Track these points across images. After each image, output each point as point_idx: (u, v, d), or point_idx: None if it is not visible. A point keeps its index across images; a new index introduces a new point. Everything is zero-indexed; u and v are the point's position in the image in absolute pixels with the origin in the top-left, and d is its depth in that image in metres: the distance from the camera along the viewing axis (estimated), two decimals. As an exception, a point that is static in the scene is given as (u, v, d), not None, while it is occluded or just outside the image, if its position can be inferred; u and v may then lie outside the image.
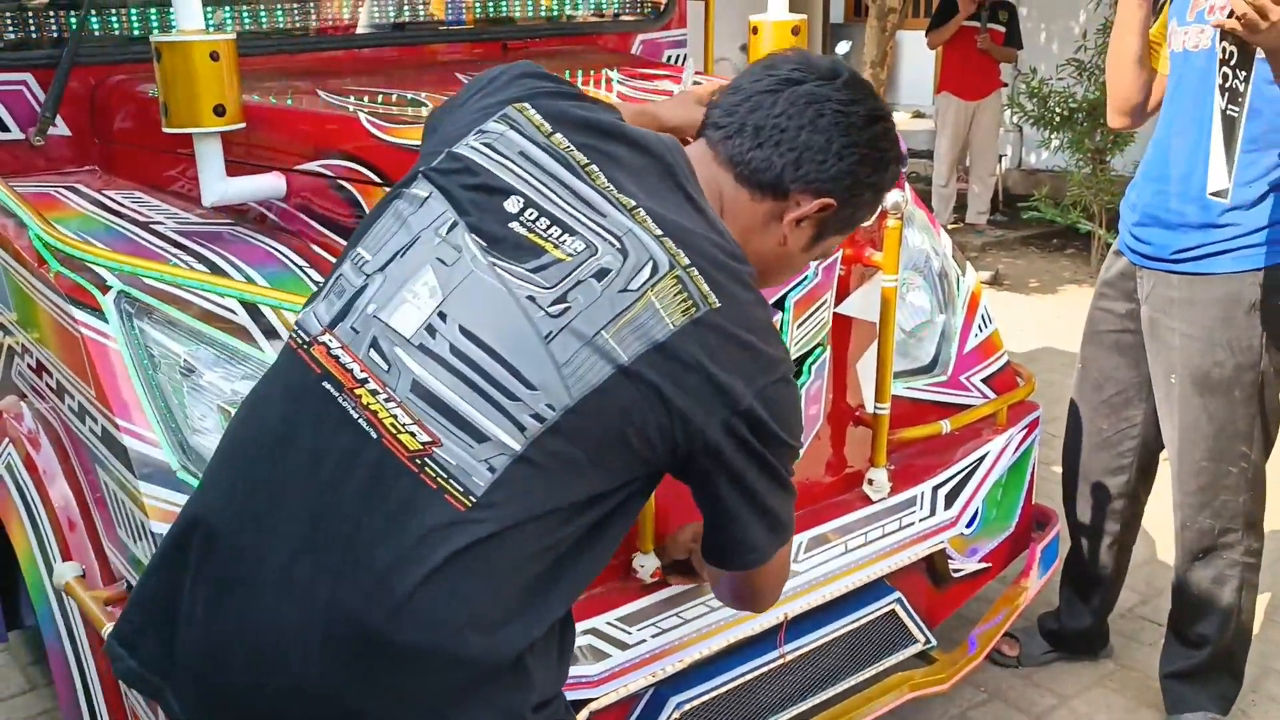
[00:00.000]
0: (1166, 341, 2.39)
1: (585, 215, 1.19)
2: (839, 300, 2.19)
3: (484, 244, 1.18)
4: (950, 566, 2.42)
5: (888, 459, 2.26)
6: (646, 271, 1.16)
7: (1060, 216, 6.54)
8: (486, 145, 1.25)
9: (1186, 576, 2.53)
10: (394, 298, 1.17)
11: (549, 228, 1.18)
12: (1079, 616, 2.83)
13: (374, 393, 1.14)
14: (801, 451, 1.33)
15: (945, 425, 2.39)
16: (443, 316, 1.15)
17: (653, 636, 1.86)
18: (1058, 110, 6.48)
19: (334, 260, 2.06)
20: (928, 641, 2.36)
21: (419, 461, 1.11)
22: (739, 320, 1.19)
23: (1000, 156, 7.80)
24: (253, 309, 1.87)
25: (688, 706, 1.95)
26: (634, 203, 1.20)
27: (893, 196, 2.06)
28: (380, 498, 1.11)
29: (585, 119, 1.28)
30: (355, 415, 1.14)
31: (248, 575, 1.12)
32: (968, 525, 2.43)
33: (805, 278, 2.04)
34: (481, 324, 1.14)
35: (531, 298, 1.14)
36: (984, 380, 2.61)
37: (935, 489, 2.32)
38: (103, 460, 1.77)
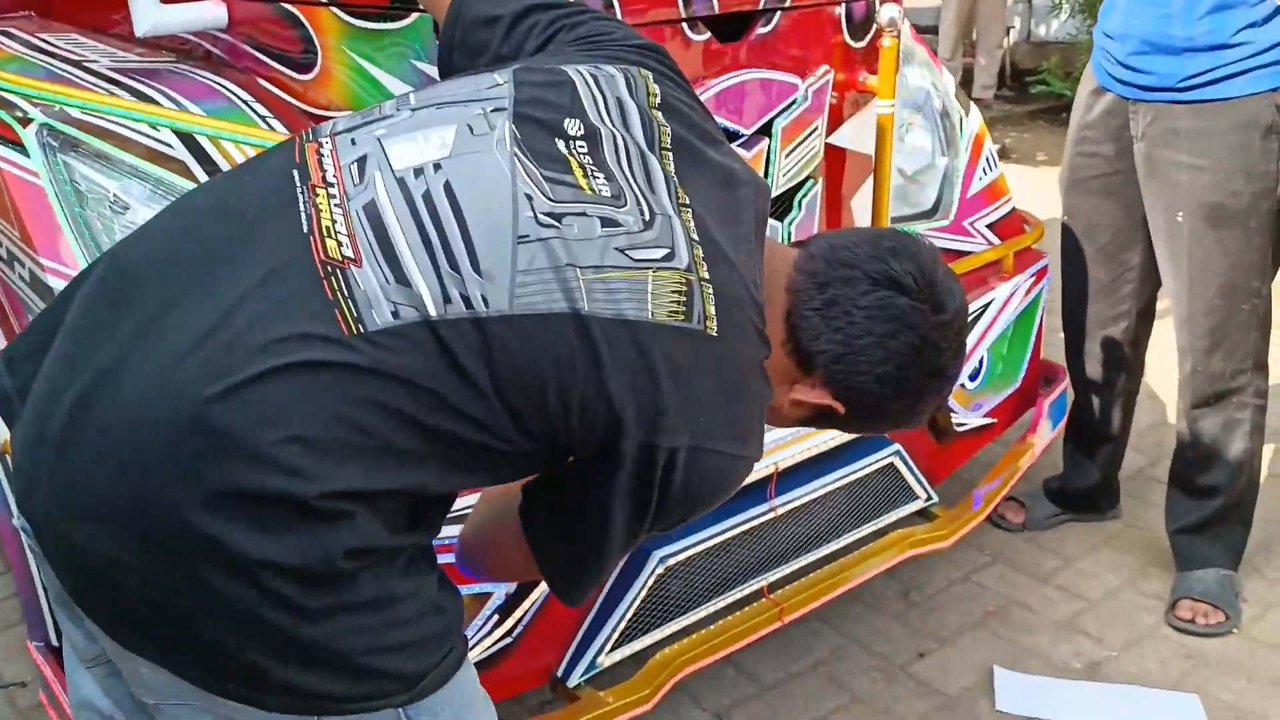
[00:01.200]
0: (1170, 177, 2.25)
1: (635, 179, 1.10)
2: (831, 129, 2.03)
3: (519, 136, 1.10)
4: (953, 420, 2.31)
5: (885, 305, 2.11)
6: (659, 253, 1.06)
7: (1070, 89, 6.31)
8: (593, 76, 1.18)
9: (1195, 425, 2.43)
10: (406, 134, 1.11)
11: (591, 165, 1.10)
12: (1085, 474, 2.73)
13: (331, 196, 1.06)
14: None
15: (948, 271, 2.24)
16: (437, 167, 1.07)
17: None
18: (1068, -25, 6.20)
19: (281, 93, 1.93)
20: (929, 498, 2.27)
21: (329, 268, 1.02)
22: (727, 369, 1.08)
23: (1008, 29, 7.53)
24: (190, 141, 1.72)
25: (672, 561, 1.85)
26: (688, 201, 1.11)
27: (888, 11, 1.89)
28: (275, 284, 1.01)
29: (696, 124, 1.19)
30: (301, 207, 1.06)
31: (125, 315, 1.03)
32: (971, 378, 2.31)
33: (793, 100, 1.88)
34: (467, 192, 1.06)
35: (529, 196, 1.05)
36: (989, 226, 2.47)
37: (936, 337, 2.19)
38: (32, 308, 1.64)
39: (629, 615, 1.82)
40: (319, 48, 1.85)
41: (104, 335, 1.02)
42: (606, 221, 1.06)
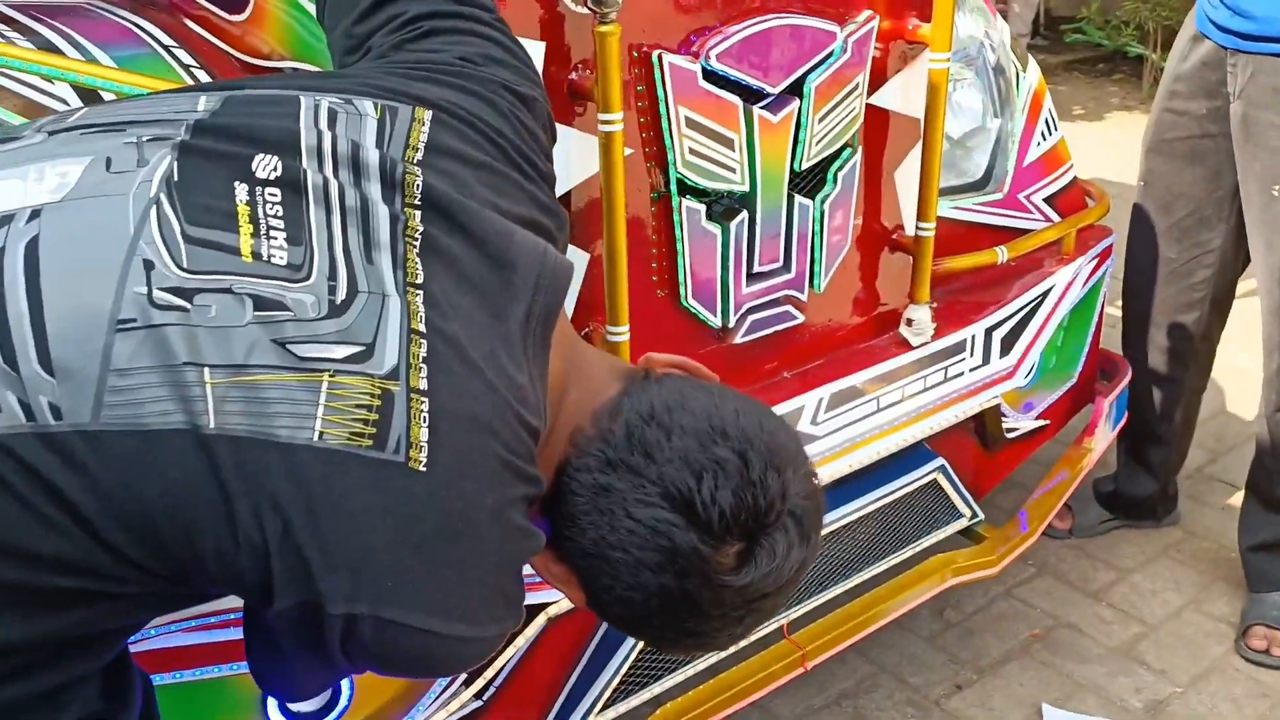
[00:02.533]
0: (1269, 144, 1.96)
1: (345, 245, 0.82)
2: (873, 88, 1.70)
3: (176, 178, 0.82)
4: (1003, 425, 2.00)
5: (931, 294, 1.81)
6: (343, 351, 0.78)
7: (1108, 39, 5.95)
8: (331, 111, 0.89)
9: (1278, 430, 2.13)
10: (19, 166, 0.82)
11: (274, 220, 0.82)
12: (1140, 478, 2.46)
13: None
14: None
15: (1001, 253, 1.95)
16: (34, 215, 0.79)
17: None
18: (1111, -86, 5.83)
19: (211, 37, 1.61)
20: (974, 516, 1.99)
21: None
22: (434, 517, 0.79)
23: (1043, -27, 7.14)
24: (92, 99, 1.40)
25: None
26: (421, 280, 0.82)
27: (948, -59, 1.56)
28: None
29: (482, 180, 0.90)
30: None
31: None
32: (1025, 375, 2.00)
33: (830, 52, 1.55)
34: (60, 254, 0.78)
35: (149, 264, 0.77)
36: (1047, 200, 2.16)
37: (989, 331, 1.90)
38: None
39: (624, 669, 1.54)
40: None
41: None
42: (264, 303, 0.78)
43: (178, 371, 0.75)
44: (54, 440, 0.73)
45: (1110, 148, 5.13)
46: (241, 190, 0.81)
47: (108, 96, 1.42)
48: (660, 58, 1.41)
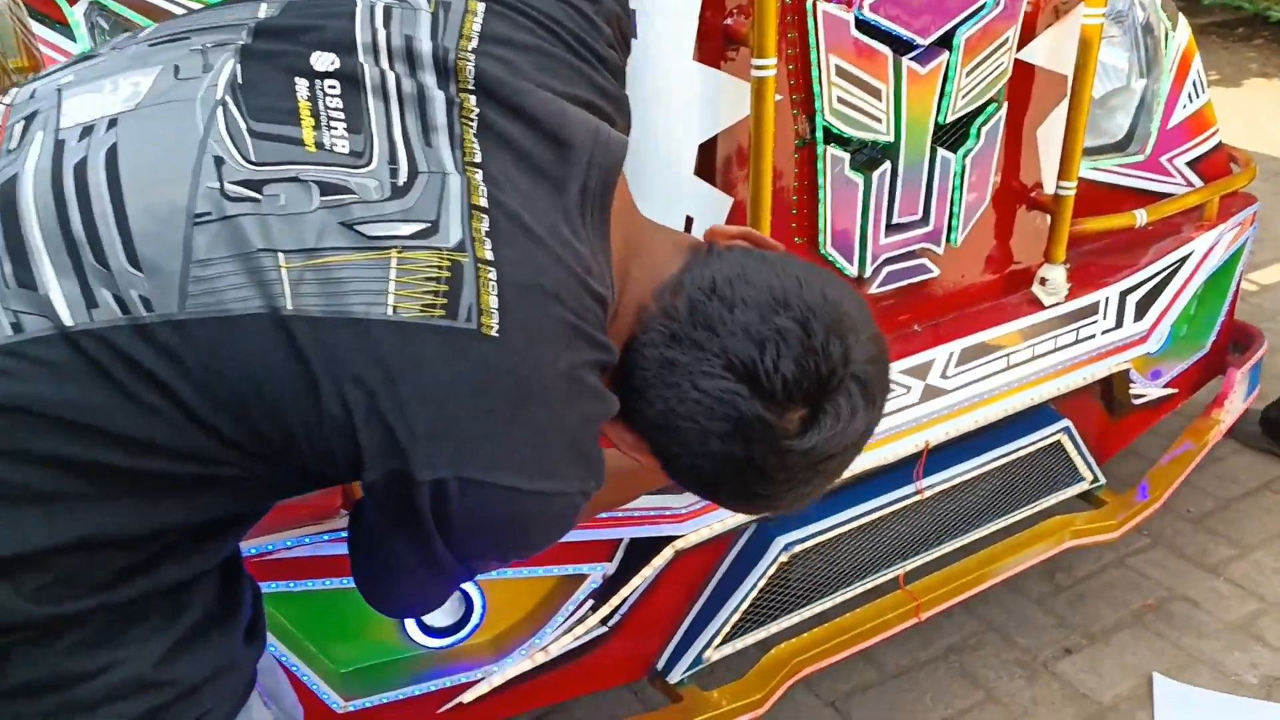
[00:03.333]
0: None
1: (402, 127, 0.84)
2: (1023, 43, 1.68)
3: (239, 80, 0.84)
4: (1131, 392, 1.98)
5: (1067, 255, 1.80)
6: (409, 228, 0.80)
7: (1249, 1, 5.69)
8: (386, 9, 0.90)
9: None
10: (95, 81, 0.86)
11: (334, 112, 0.84)
12: None
13: None
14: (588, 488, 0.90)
15: (1140, 216, 1.91)
16: (111, 124, 0.82)
17: (759, 462, 1.48)
18: None
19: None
20: (1095, 480, 1.96)
21: None
22: (508, 381, 0.81)
23: (1182, -70, 6.85)
24: None
25: (798, 548, 1.58)
26: (479, 159, 0.84)
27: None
28: None
29: (535, 63, 0.91)
30: None
31: None
32: (1157, 342, 1.97)
33: (984, 5, 1.54)
34: (137, 157, 0.81)
35: (219, 160, 0.80)
36: (1190, 164, 2.10)
37: (1124, 295, 1.87)
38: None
39: (744, 606, 1.58)
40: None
41: None
42: (330, 188, 0.80)
43: (253, 258, 0.78)
44: (147, 330, 0.77)
45: (1245, 116, 4.94)
46: (302, 86, 0.84)
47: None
48: (815, 5, 1.42)
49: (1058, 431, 1.84)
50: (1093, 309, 1.84)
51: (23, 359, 0.76)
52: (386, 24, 0.89)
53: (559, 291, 0.83)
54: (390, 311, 0.78)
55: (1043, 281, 1.79)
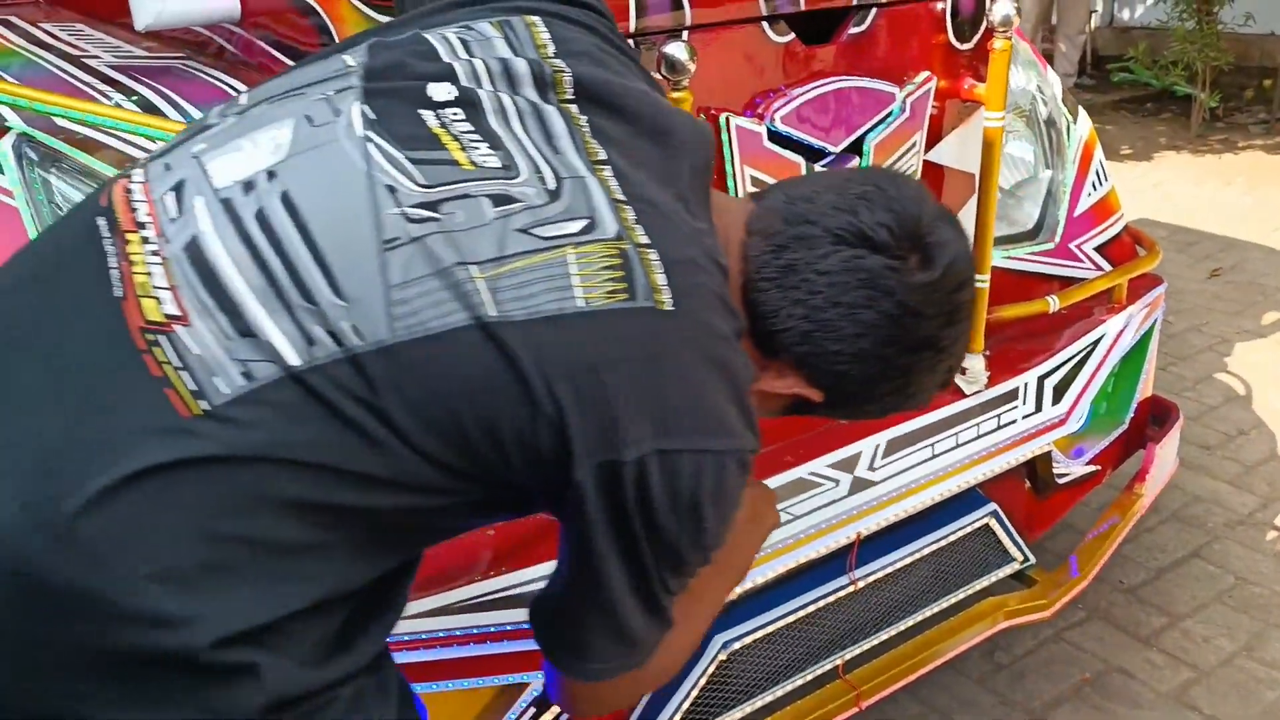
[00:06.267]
0: None
1: (532, 141, 0.90)
2: (930, 145, 1.76)
3: (372, 116, 0.89)
4: (1054, 471, 2.03)
5: (985, 343, 1.86)
6: (575, 225, 0.86)
7: (1156, 78, 5.95)
8: (462, 40, 0.97)
9: None
10: (230, 143, 0.89)
11: (470, 134, 0.90)
12: None
13: (145, 240, 0.85)
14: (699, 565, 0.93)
15: (1053, 302, 1.99)
16: (270, 175, 0.86)
17: (693, 563, 1.50)
18: (1159, -44, 5.84)
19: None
20: (1025, 560, 2.01)
21: (149, 337, 0.81)
22: (689, 349, 0.87)
23: (1091, 13, 7.14)
24: (192, 156, 1.49)
25: (737, 645, 1.60)
26: (604, 157, 0.90)
27: (1002, 8, 1.61)
28: (89, 375, 0.80)
29: (611, 67, 0.99)
30: (112, 263, 0.84)
31: None
32: (1077, 422, 2.03)
33: (890, 112, 1.61)
34: (311, 198, 0.85)
35: (391, 188, 0.85)
36: (1098, 249, 2.19)
37: (1041, 379, 1.94)
38: None
39: (684, 706, 1.59)
40: (336, 35, 1.61)
41: None
42: (498, 199, 0.86)
43: (449, 273, 0.82)
44: (361, 360, 0.80)
45: (1158, 188, 5.13)
46: (428, 116, 0.89)
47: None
48: (728, 120, 1.48)
49: (985, 515, 1.89)
50: (1012, 395, 1.90)
51: (260, 405, 0.78)
52: (469, 52, 0.95)
53: (704, 264, 0.90)
54: (582, 303, 0.83)
55: (963, 371, 1.85)
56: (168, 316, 0.80)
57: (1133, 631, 2.38)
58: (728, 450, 0.88)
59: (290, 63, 1.71)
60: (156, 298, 0.81)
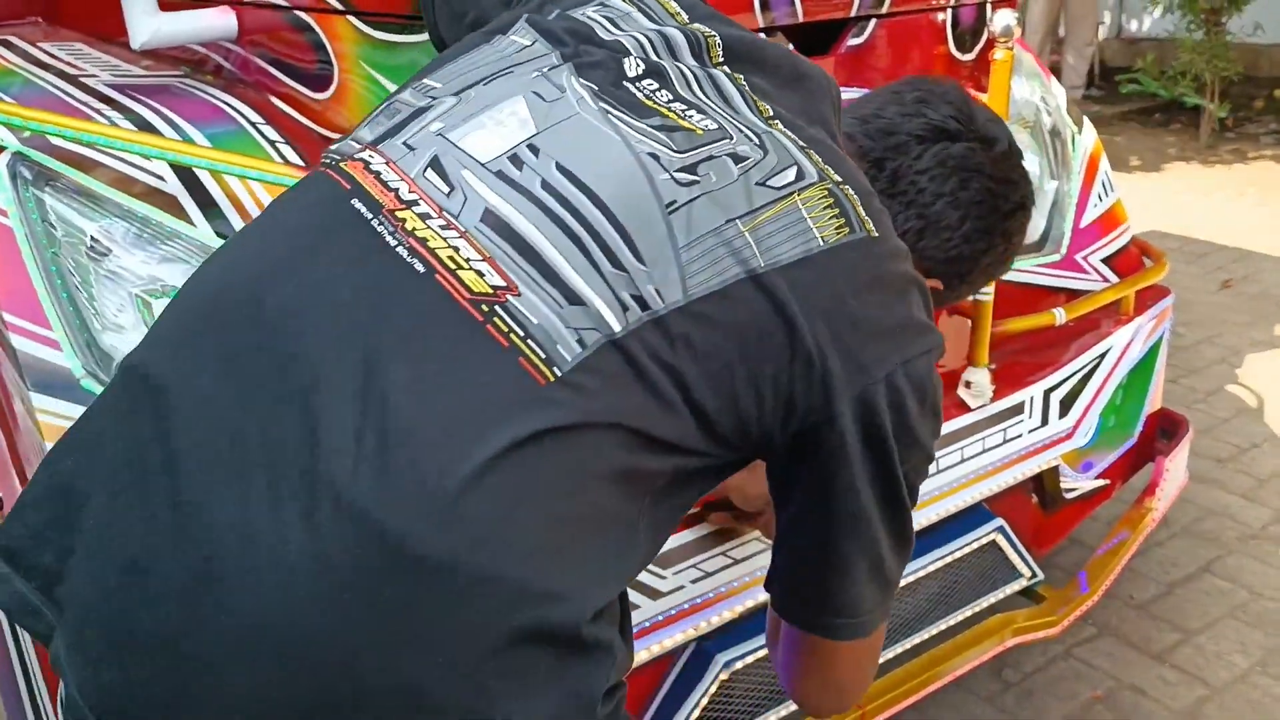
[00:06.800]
0: None
1: (717, 103, 0.96)
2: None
3: (594, 89, 0.93)
4: (1062, 486, 2.01)
5: (990, 357, 1.84)
6: (791, 174, 0.92)
7: (1165, 89, 5.93)
8: (607, 19, 1.01)
9: None
10: (470, 119, 0.91)
11: (671, 101, 0.94)
12: None
13: (424, 216, 0.85)
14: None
15: (1059, 314, 1.97)
16: (534, 150, 0.89)
17: (693, 582, 1.49)
18: (1166, -33, 5.84)
19: (294, 115, 1.69)
20: (1033, 576, 1.98)
21: (485, 309, 0.81)
22: (895, 266, 0.95)
23: (1098, 24, 7.13)
24: (187, 175, 1.49)
25: (739, 665, 1.58)
26: (771, 111, 0.97)
27: (1003, 18, 1.60)
28: (421, 356, 0.79)
29: (734, 23, 1.04)
30: (394, 243, 0.84)
31: (191, 450, 0.77)
32: (1084, 436, 2.01)
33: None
34: (587, 167, 0.88)
35: (654, 155, 0.88)
36: (1105, 260, 2.17)
37: (1048, 393, 1.91)
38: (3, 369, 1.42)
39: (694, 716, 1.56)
40: (335, 61, 1.61)
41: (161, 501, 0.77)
42: (736, 158, 0.91)
43: (722, 230, 0.86)
44: (665, 321, 0.83)
45: (1168, 199, 5.11)
46: (633, 88, 0.94)
47: (202, 174, 1.49)
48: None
49: (992, 531, 1.86)
50: (1018, 408, 1.87)
51: (592, 373, 0.80)
52: (618, 27, 1.00)
53: (873, 191, 0.98)
54: (821, 242, 0.89)
55: (968, 385, 1.83)
56: (494, 288, 0.81)
57: (1144, 648, 2.35)
58: (935, 346, 0.96)
59: (287, 79, 1.72)
60: (478, 270, 0.82)
